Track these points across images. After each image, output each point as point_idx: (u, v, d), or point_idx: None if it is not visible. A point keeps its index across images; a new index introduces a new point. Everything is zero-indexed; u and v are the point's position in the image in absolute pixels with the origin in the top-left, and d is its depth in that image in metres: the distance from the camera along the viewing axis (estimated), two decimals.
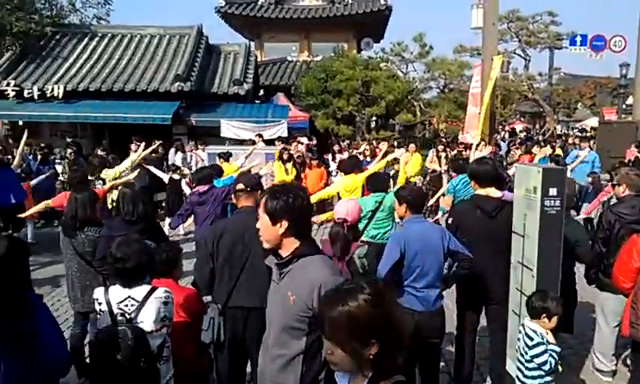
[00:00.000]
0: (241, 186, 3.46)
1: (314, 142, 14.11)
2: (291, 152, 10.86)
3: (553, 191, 3.54)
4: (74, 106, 14.32)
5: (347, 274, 3.53)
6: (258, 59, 21.48)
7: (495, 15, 11.48)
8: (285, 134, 14.30)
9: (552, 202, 3.53)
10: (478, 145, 10.33)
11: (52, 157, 11.39)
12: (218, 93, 15.99)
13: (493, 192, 3.95)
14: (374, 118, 16.47)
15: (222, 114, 14.92)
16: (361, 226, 5.53)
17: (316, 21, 22.95)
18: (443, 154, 11.47)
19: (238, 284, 3.27)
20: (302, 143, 12.96)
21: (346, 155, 11.46)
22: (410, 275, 3.45)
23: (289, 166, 10.78)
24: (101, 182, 7.05)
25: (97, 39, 17.06)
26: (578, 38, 19.39)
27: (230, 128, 14.38)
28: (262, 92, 20.02)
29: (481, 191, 3.96)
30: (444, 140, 13.05)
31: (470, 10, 12.20)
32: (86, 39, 17.00)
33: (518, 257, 3.75)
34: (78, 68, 15.66)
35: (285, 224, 2.17)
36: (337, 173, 11.23)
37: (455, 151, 11.79)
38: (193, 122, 14.81)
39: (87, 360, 3.04)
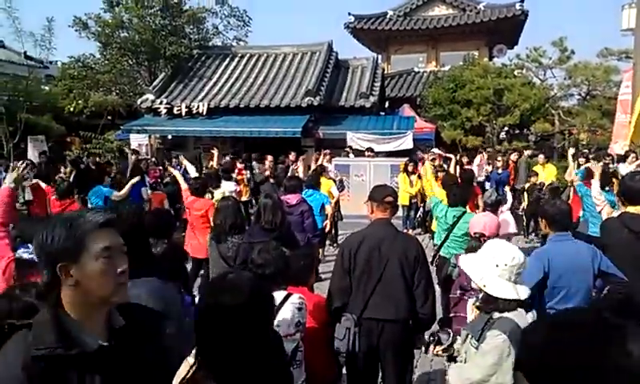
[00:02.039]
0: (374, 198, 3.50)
1: (450, 155, 13.71)
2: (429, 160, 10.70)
3: None
4: (216, 122, 15.60)
5: None
6: (385, 71, 21.61)
7: None
8: (410, 146, 14.16)
9: None
10: (625, 157, 9.30)
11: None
12: (344, 106, 16.36)
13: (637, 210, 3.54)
14: (505, 129, 15.60)
15: (348, 127, 15.23)
16: (437, 238, 5.31)
17: (445, 30, 22.51)
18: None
19: (374, 295, 3.29)
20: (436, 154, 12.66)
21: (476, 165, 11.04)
22: (554, 297, 3.21)
23: (414, 178, 10.65)
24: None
25: (237, 59, 18.44)
26: None
27: (355, 140, 14.61)
28: (387, 104, 20.07)
29: (631, 209, 3.56)
30: (586, 151, 11.94)
31: (621, 11, 11.05)
32: (228, 59, 18.47)
33: None
34: (220, 86, 17.05)
35: None
36: None
37: (602, 163, 10.72)
38: (320, 135, 15.30)
39: None
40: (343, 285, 3.37)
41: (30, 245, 3.03)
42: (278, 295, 3.15)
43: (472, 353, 2.41)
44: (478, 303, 2.60)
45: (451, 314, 3.47)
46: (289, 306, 3.11)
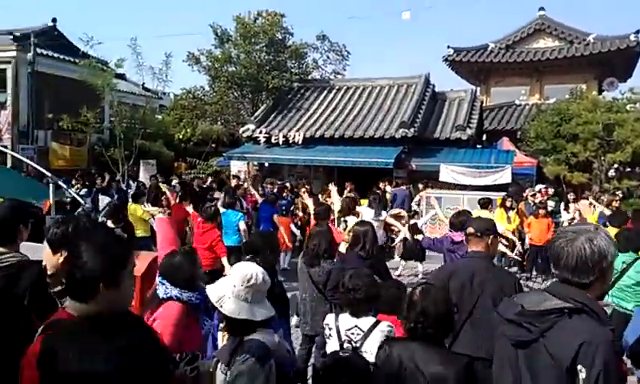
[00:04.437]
0: (471, 230, 3.45)
1: (551, 191, 13.05)
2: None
3: None
4: (310, 151, 16.09)
5: None
6: (484, 104, 21.09)
7: None
8: (509, 181, 13.59)
9: None
10: None
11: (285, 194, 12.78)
12: (439, 138, 16.16)
13: None
14: (615, 166, 14.50)
15: (442, 159, 14.98)
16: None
17: (551, 62, 21.61)
18: None
19: (463, 330, 3.23)
20: (540, 191, 12.12)
21: (581, 203, 10.37)
22: None
23: (511, 213, 10.23)
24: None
25: (334, 92, 18.99)
26: None
27: (449, 173, 14.31)
28: (485, 137, 19.51)
29: None
30: None
31: None
32: (325, 92, 19.06)
33: None
34: (317, 117, 17.60)
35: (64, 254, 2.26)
36: (569, 224, 10.22)
37: None
38: (413, 166, 15.20)
39: (309, 381, 3.34)
40: None
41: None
42: (367, 321, 3.21)
43: (221, 380, 2.26)
44: (222, 326, 2.46)
45: None
46: (377, 334, 3.15)
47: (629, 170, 15.47)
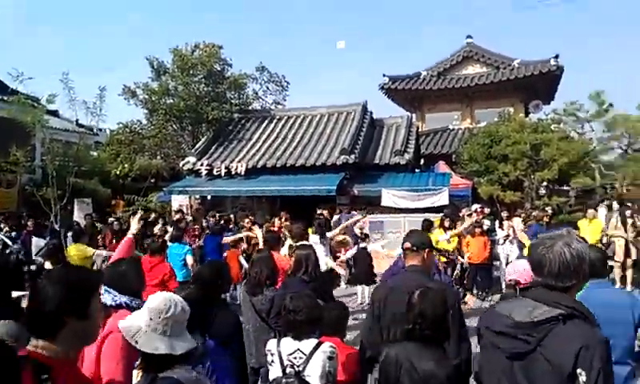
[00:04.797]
0: (408, 244, 3.51)
1: (487, 210, 13.58)
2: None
3: None
4: (253, 181, 16.03)
5: None
6: (420, 129, 21.87)
7: None
8: (446, 202, 14.07)
9: None
10: None
11: (231, 226, 12.71)
12: (379, 163, 16.56)
13: None
14: (544, 184, 15.35)
15: (383, 184, 15.33)
16: None
17: (479, 88, 22.79)
18: (630, 221, 10.18)
19: None
20: (477, 211, 12.57)
21: (515, 221, 10.84)
22: None
23: (450, 234, 10.55)
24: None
25: (275, 121, 19.11)
26: None
27: (390, 197, 14.66)
28: (422, 161, 20.17)
29: None
30: (630, 204, 11.59)
31: None
32: (266, 122, 19.16)
33: None
34: (258, 147, 17.61)
35: None
36: (503, 241, 10.67)
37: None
38: (355, 192, 15.45)
39: None
40: (374, 334, 3.37)
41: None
42: (309, 344, 3.19)
43: None
44: (138, 364, 2.29)
45: None
46: (319, 355, 3.13)
47: (557, 187, 16.44)
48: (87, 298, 1.80)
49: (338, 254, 11.83)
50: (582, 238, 2.15)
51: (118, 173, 19.11)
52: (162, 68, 20.09)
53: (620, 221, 10.40)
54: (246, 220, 11.95)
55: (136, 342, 2.17)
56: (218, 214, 13.65)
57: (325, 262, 8.89)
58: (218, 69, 20.36)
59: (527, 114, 21.69)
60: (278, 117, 19.47)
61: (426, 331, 2.60)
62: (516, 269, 3.62)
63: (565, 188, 16.91)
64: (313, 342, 3.19)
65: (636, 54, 54.05)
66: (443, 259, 10.15)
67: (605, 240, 10.54)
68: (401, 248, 3.58)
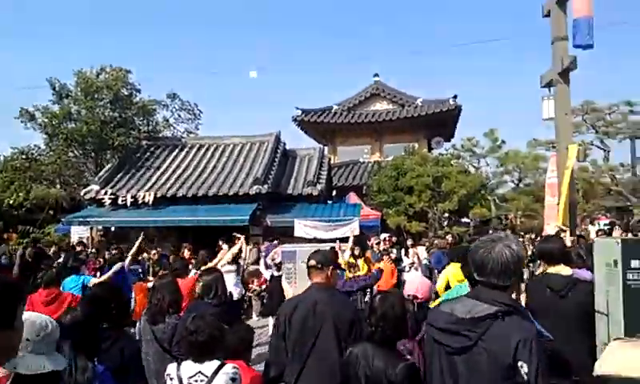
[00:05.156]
0: (313, 262, 3.56)
1: (394, 239, 14.11)
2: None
3: (635, 263, 3.36)
4: (162, 211, 15.47)
5: (418, 353, 3.44)
6: (332, 162, 22.42)
7: (567, 106, 11.36)
8: (357, 232, 14.43)
9: (635, 274, 3.33)
10: (557, 234, 9.88)
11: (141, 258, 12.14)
12: (292, 194, 16.70)
13: (562, 270, 3.81)
14: (446, 215, 16.31)
15: (295, 214, 15.45)
16: None
17: (387, 124, 23.91)
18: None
19: (309, 360, 3.27)
20: (385, 240, 12.99)
21: (419, 249, 11.34)
22: None
23: (360, 261, 10.81)
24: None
25: (186, 150, 18.70)
26: None
27: (302, 227, 14.78)
28: (334, 192, 20.63)
29: (551, 269, 3.83)
30: (522, 233, 12.59)
31: (541, 102, 12.17)
32: (177, 150, 18.68)
33: (603, 338, 3.49)
34: (168, 176, 17.09)
35: None
36: (409, 268, 11.10)
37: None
38: (268, 223, 15.41)
39: None
40: (279, 352, 3.35)
41: None
42: (211, 366, 3.10)
43: None
44: None
45: None
46: (222, 377, 3.05)
47: (457, 218, 17.51)
48: (14, 306, 1.71)
49: (250, 286, 11.69)
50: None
51: (11, 202, 17.61)
52: (64, 91, 19.04)
53: None
54: (153, 252, 11.50)
55: (15, 368, 1.97)
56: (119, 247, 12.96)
57: (237, 292, 8.76)
58: (126, 93, 19.67)
59: (430, 149, 23.04)
60: (189, 145, 19.09)
61: (387, 332, 2.77)
62: (413, 284, 3.80)
63: (464, 219, 18.04)
64: (215, 363, 3.11)
65: (524, 92, 59.64)
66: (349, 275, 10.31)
67: None
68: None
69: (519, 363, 2.04)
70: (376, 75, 25.83)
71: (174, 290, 4.67)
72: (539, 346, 2.08)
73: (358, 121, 24.18)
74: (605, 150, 20.92)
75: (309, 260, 3.57)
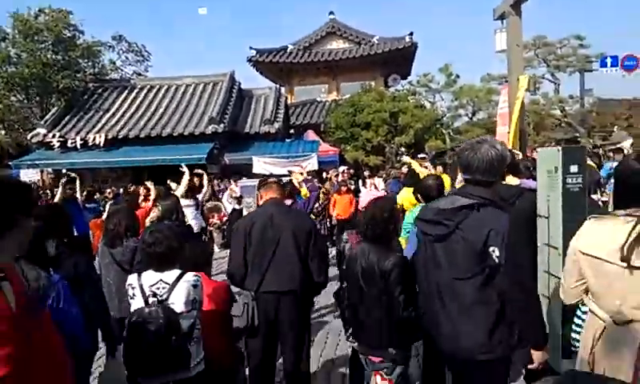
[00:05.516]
0: (267, 179, 3.65)
1: (352, 171, 14.31)
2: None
3: (574, 168, 3.54)
4: (114, 153, 15.06)
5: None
6: (289, 102, 22.17)
7: (519, 37, 11.56)
8: (315, 167, 14.55)
9: (573, 179, 3.52)
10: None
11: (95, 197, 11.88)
12: (250, 133, 16.54)
13: (511, 180, 3.99)
14: (402, 149, 16.58)
15: (253, 152, 15.38)
16: None
17: (343, 62, 23.64)
18: None
19: (270, 269, 3.38)
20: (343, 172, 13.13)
21: (376, 180, 11.57)
22: None
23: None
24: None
25: (136, 91, 18.04)
26: (609, 60, 19.14)
27: (261, 165, 14.76)
28: (292, 131, 20.54)
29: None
30: None
31: (494, 35, 12.33)
32: (126, 92, 18.01)
33: (543, 239, 3.72)
34: (119, 118, 16.54)
35: None
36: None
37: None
38: (226, 161, 15.29)
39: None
40: (239, 263, 3.43)
41: None
42: (172, 274, 3.13)
43: None
44: None
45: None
46: (183, 284, 3.10)
47: (414, 151, 17.81)
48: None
49: (211, 220, 11.68)
50: None
51: None
52: (0, 33, 17.82)
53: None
54: (107, 190, 11.27)
55: None
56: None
57: (197, 224, 8.74)
58: (68, 35, 18.59)
59: (387, 86, 23.04)
60: (139, 86, 18.42)
61: (377, 230, 2.96)
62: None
63: (421, 155, 18.36)
64: (176, 272, 3.15)
65: (479, 27, 60.01)
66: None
67: None
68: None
69: (490, 248, 2.23)
70: (331, 13, 25.30)
71: (130, 215, 4.63)
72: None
73: (314, 60, 23.79)
74: (555, 83, 21.53)
75: (263, 179, 3.68)
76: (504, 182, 4.01)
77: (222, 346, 3.59)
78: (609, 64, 18.86)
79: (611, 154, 14.04)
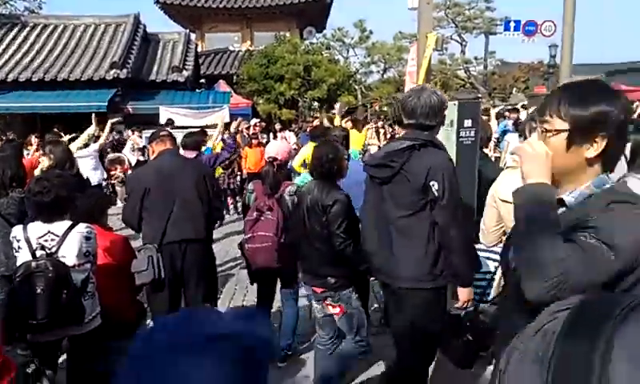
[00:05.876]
0: (164, 132, 3.62)
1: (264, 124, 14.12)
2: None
3: (467, 122, 3.75)
4: (3, 97, 13.67)
5: (278, 211, 3.63)
6: (199, 49, 21.20)
7: None
8: (227, 120, 14.18)
9: (467, 132, 3.73)
10: None
11: None
12: (156, 80, 15.69)
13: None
14: (315, 103, 16.62)
15: (160, 101, 14.67)
16: None
17: (257, 10, 22.89)
18: (382, 131, 11.77)
19: (171, 219, 3.31)
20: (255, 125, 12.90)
21: (287, 133, 11.56)
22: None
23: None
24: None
25: (28, 29, 16.32)
26: (512, 24, 20.18)
27: (169, 115, 14.10)
28: (203, 81, 19.79)
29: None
30: (382, 116, 13.36)
31: None
32: (16, 29, 16.24)
33: None
34: (7, 58, 14.94)
35: None
36: None
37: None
38: (130, 110, 14.46)
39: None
40: (134, 210, 3.32)
41: None
42: (62, 225, 2.95)
43: None
44: None
45: (249, 235, 3.63)
46: (75, 235, 2.93)
47: (326, 105, 17.92)
48: None
49: (113, 172, 11.09)
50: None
51: None
52: None
53: (374, 132, 11.96)
54: None
55: None
56: None
57: (97, 176, 8.25)
58: None
59: (302, 39, 22.73)
60: (31, 24, 16.67)
61: (320, 169, 3.16)
62: (273, 148, 3.92)
63: (333, 111, 18.53)
64: (66, 223, 2.96)
65: None
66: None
67: (366, 148, 12.04)
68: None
69: (431, 183, 2.42)
70: None
71: (15, 163, 4.26)
72: (450, 171, 2.47)
73: (227, 5, 22.77)
74: (462, 44, 22.46)
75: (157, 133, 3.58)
76: None
77: (122, 301, 3.48)
78: (512, 28, 19.88)
79: (507, 114, 15.01)
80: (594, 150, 1.28)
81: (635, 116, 8.72)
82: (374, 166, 2.71)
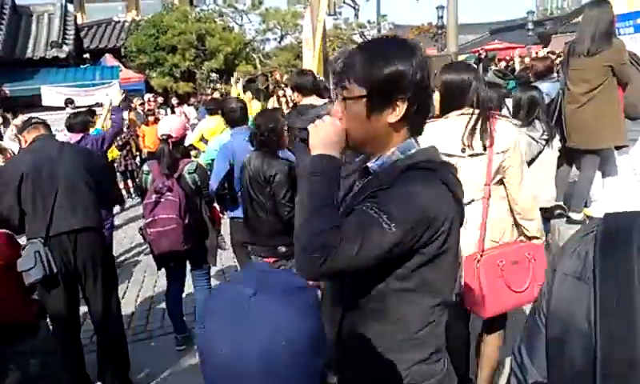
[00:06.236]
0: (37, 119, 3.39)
1: (160, 100, 13.45)
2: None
3: None
4: None
5: (179, 190, 3.49)
6: (79, 21, 19.56)
7: None
8: (120, 96, 13.35)
9: None
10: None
11: None
12: (33, 58, 14.31)
13: (314, 100, 4.16)
14: (213, 74, 16.10)
15: (42, 81, 13.45)
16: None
17: None
18: (284, 100, 11.69)
19: (56, 209, 3.04)
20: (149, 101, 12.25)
21: (186, 108, 11.14)
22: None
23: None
24: None
25: None
26: None
27: (54, 95, 13.02)
28: (87, 56, 18.37)
29: (305, 100, 4.14)
30: (283, 85, 13.28)
31: None
32: None
33: None
34: None
35: None
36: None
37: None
38: (7, 92, 13.13)
39: None
40: (10, 204, 3.03)
41: None
42: None
43: None
44: None
45: (150, 219, 3.47)
46: None
47: (225, 77, 17.46)
48: None
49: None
50: None
51: None
52: None
53: (276, 100, 11.88)
54: None
55: None
56: None
57: None
58: None
59: (192, 5, 21.77)
60: None
61: (261, 137, 3.17)
62: (166, 124, 3.78)
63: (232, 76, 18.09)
64: None
65: None
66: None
67: None
68: None
69: None
70: None
71: None
72: None
73: None
74: (355, 8, 22.68)
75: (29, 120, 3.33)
76: (307, 102, 4.16)
77: (12, 301, 3.20)
78: None
79: None
80: (395, 115, 1.21)
81: (517, 71, 9.46)
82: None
